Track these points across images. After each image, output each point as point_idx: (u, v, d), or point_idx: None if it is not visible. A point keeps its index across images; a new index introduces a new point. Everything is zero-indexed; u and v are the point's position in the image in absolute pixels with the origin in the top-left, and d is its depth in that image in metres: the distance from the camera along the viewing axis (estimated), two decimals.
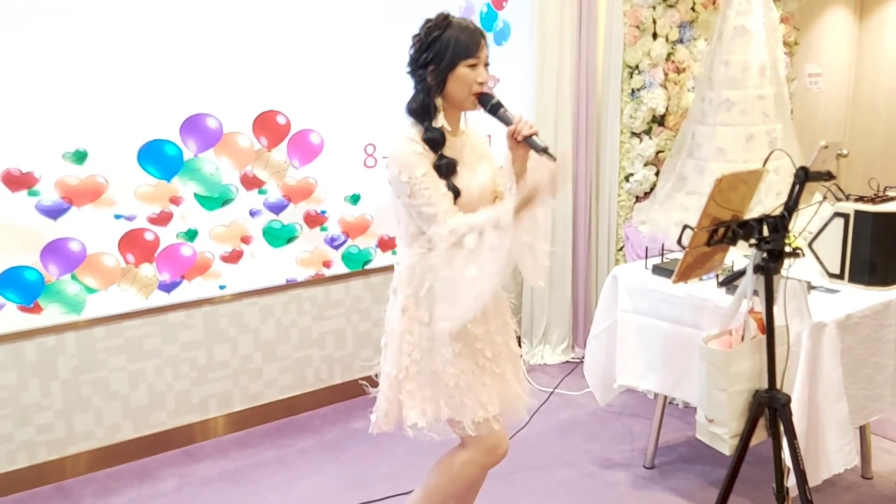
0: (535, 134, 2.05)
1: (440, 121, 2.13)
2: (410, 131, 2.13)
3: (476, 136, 2.28)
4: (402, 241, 2.23)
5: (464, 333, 2.17)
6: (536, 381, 4.27)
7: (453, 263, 2.04)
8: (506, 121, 2.09)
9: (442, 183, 2.10)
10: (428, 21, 2.12)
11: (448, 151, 2.14)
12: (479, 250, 2.02)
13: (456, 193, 2.11)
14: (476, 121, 2.29)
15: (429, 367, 2.18)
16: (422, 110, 2.12)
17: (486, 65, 2.13)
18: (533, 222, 2.11)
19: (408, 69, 2.16)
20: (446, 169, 2.11)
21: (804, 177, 2.12)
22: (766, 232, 2.12)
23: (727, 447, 2.28)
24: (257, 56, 3.51)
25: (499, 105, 2.12)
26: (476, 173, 2.18)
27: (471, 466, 2.29)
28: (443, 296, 2.10)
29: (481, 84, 2.11)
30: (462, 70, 2.08)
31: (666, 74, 4.36)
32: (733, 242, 2.13)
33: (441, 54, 2.07)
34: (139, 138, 3.28)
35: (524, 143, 2.05)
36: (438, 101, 2.12)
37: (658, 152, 4.40)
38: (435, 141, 2.11)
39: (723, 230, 2.08)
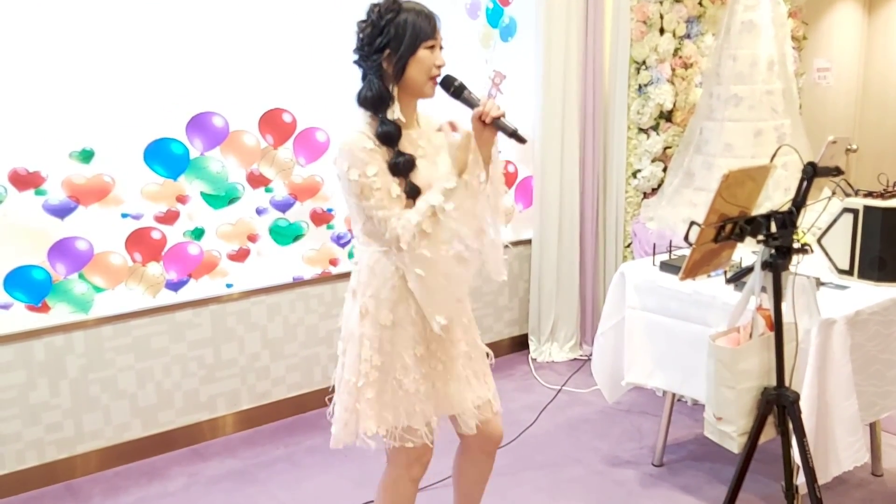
0: (503, 116, 1.94)
1: (396, 112, 2.00)
2: (363, 125, 2.01)
3: (430, 127, 2.15)
4: (359, 238, 2.12)
5: (424, 336, 2.09)
6: (544, 378, 4.26)
7: (425, 256, 1.95)
8: (471, 103, 1.99)
9: (395, 183, 1.99)
10: (376, 5, 2.01)
11: (404, 145, 2.02)
12: (441, 229, 1.94)
13: (415, 192, 2.01)
14: (426, 110, 2.17)
15: (390, 372, 2.08)
16: (377, 100, 1.99)
17: (441, 48, 2.03)
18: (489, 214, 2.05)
19: (356, 56, 2.03)
20: (404, 166, 1.99)
21: (812, 172, 2.10)
22: (773, 228, 2.11)
23: (735, 445, 2.27)
24: (263, 54, 3.50)
25: (462, 87, 2.01)
26: (436, 166, 2.07)
27: (401, 483, 2.21)
28: (428, 291, 2.00)
29: (439, 67, 2.01)
30: (422, 53, 1.97)
31: (673, 70, 4.33)
32: (741, 239, 2.12)
33: (399, 37, 1.96)
34: (145, 137, 3.28)
35: (491, 127, 1.95)
36: (394, 90, 2.00)
37: (666, 148, 4.37)
38: (390, 135, 1.98)
39: (730, 227, 2.06)
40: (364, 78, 2.03)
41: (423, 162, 2.05)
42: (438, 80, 2.03)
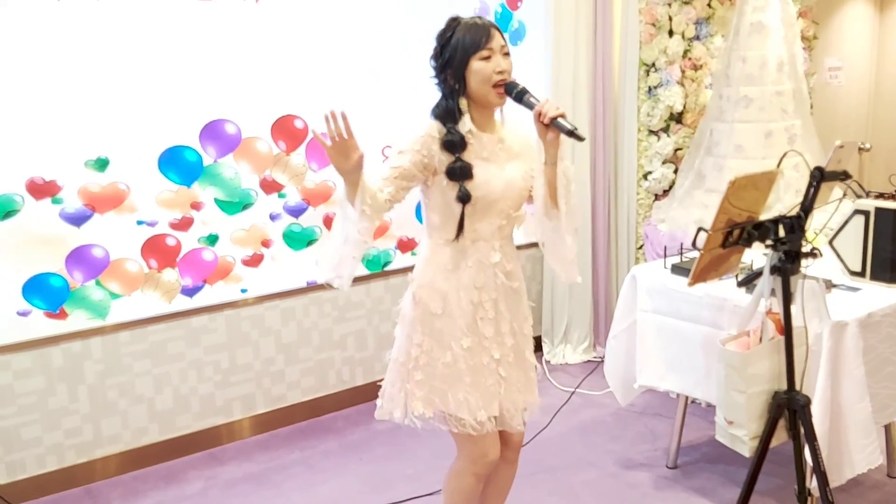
0: (563, 116, 2.02)
1: (466, 123, 2.13)
2: (432, 129, 2.14)
3: (515, 136, 2.26)
4: (424, 232, 2.27)
5: (475, 330, 2.17)
6: (558, 380, 4.27)
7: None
8: (530, 106, 2.08)
9: (402, 169, 2.09)
10: (441, 30, 2.17)
11: (476, 150, 2.13)
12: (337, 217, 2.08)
13: (466, 198, 2.11)
14: (520, 120, 2.27)
15: (440, 358, 2.18)
16: (445, 114, 2.14)
17: (506, 55, 2.13)
18: (561, 214, 2.13)
19: (434, 78, 2.19)
20: (460, 172, 2.11)
21: (820, 177, 2.11)
22: (782, 233, 2.11)
23: (747, 449, 2.27)
24: (274, 62, 3.54)
25: (524, 91, 2.09)
26: (503, 170, 2.18)
27: (465, 476, 2.29)
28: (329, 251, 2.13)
29: (501, 73, 2.10)
30: (476, 64, 2.08)
31: (683, 72, 4.34)
32: (748, 244, 2.13)
33: (452, 55, 2.10)
34: (159, 145, 3.32)
35: (552, 127, 2.03)
36: (463, 104, 2.13)
37: (676, 150, 4.38)
38: (453, 144, 2.11)
39: (738, 232, 2.07)
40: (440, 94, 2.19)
41: (487, 166, 2.14)
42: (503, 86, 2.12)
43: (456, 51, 2.10)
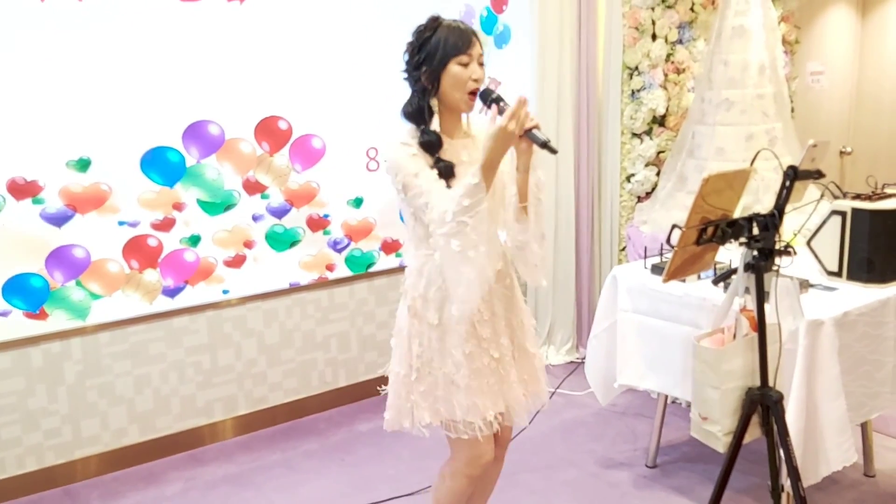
0: (537, 127, 2.01)
1: (435, 124, 2.13)
2: (405, 136, 2.14)
3: (481, 140, 2.22)
4: (409, 243, 2.26)
5: (473, 334, 2.18)
6: None
7: (448, 244, 2.01)
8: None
9: (434, 176, 2.09)
10: (420, 25, 2.15)
11: (447, 155, 2.13)
12: (459, 224, 1.98)
13: None
14: (483, 124, 2.25)
15: (440, 368, 2.18)
16: (417, 113, 2.13)
17: (481, 64, 2.13)
18: (530, 221, 2.13)
19: (404, 74, 2.18)
20: (444, 172, 2.11)
21: (793, 176, 2.14)
22: (756, 231, 2.13)
23: (721, 444, 2.29)
24: (258, 62, 3.54)
25: (499, 99, 2.09)
26: (455, 174, 2.15)
27: (458, 477, 2.30)
28: (449, 279, 2.08)
29: (476, 81, 2.10)
30: (454, 68, 2.08)
31: (666, 75, 4.37)
32: (722, 241, 2.15)
33: (432, 54, 2.08)
34: (142, 145, 3.32)
35: (525, 137, 2.01)
36: (434, 104, 2.13)
37: (659, 152, 4.41)
38: (431, 144, 2.11)
39: (712, 229, 2.09)
40: (410, 93, 2.17)
41: (462, 170, 2.13)
42: (477, 93, 2.12)
43: (436, 50, 2.08)
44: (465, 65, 2.09)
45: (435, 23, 2.12)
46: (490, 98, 2.10)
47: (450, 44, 2.08)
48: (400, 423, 2.26)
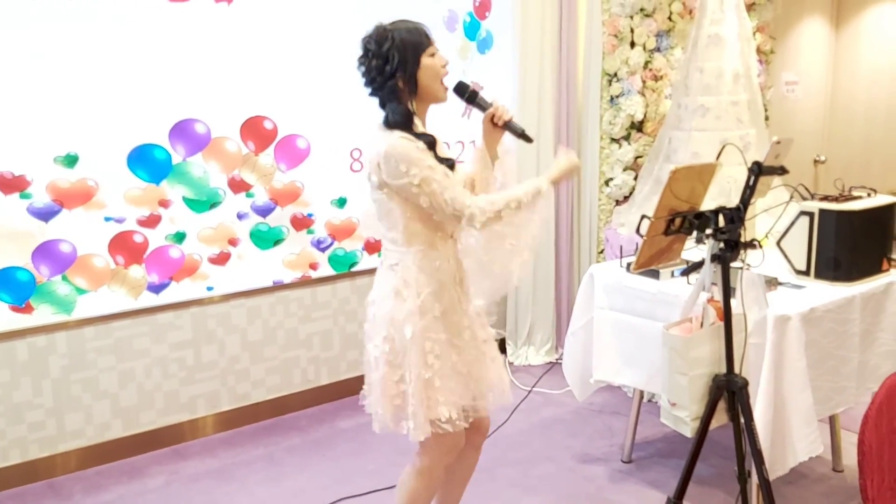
0: (512, 118, 2.17)
1: (419, 126, 2.20)
2: (404, 135, 2.15)
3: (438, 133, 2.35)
4: (397, 242, 2.23)
5: (467, 324, 2.28)
6: (520, 381, 4.35)
7: (491, 240, 2.17)
8: (484, 107, 2.22)
9: (447, 170, 2.17)
10: (368, 38, 2.18)
11: (439, 148, 2.23)
12: (513, 223, 2.15)
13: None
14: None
15: (448, 360, 2.23)
16: (405, 119, 2.16)
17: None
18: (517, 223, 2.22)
19: (372, 88, 2.20)
20: (451, 169, 2.20)
21: (758, 170, 2.23)
22: (721, 223, 2.22)
23: (689, 429, 2.37)
24: (245, 63, 3.61)
25: (475, 92, 2.23)
26: (455, 169, 2.27)
27: (436, 471, 2.36)
28: (479, 273, 2.23)
29: (445, 66, 2.19)
30: (426, 60, 2.16)
31: (644, 82, 4.47)
32: (689, 232, 2.23)
33: (403, 58, 2.12)
34: (129, 143, 3.37)
35: (501, 128, 2.18)
36: (413, 106, 2.19)
37: (637, 157, 4.50)
38: (431, 143, 2.18)
39: (679, 220, 2.17)
40: (383, 105, 2.20)
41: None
42: (449, 84, 2.22)
43: (406, 51, 2.13)
44: (433, 54, 2.18)
45: (386, 31, 2.16)
46: (467, 91, 2.22)
47: (415, 41, 2.15)
48: (425, 430, 2.20)
